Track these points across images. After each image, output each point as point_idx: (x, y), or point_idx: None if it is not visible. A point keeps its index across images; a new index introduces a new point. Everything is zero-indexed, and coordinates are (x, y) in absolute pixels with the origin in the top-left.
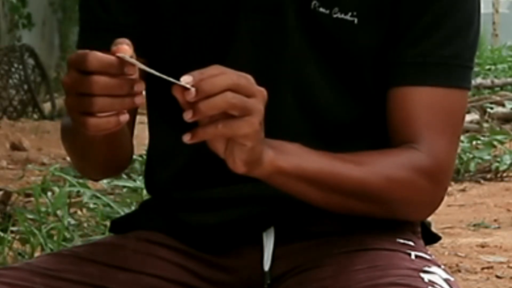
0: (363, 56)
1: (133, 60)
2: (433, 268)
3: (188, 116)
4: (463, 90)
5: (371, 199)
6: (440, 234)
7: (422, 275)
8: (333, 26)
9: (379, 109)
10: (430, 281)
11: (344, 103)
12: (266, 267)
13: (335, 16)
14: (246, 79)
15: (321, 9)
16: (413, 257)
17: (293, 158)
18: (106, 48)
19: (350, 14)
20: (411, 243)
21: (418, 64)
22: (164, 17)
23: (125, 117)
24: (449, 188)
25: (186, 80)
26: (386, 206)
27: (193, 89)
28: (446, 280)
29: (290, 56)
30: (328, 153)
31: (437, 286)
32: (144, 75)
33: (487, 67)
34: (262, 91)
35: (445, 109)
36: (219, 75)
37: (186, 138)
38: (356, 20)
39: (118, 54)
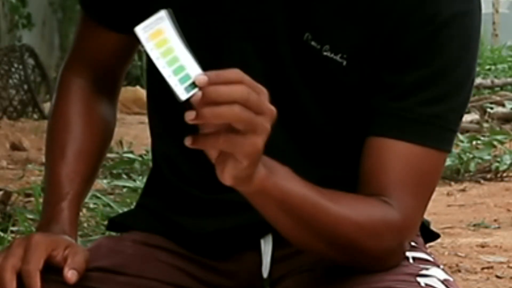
0: (350, 93)
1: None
2: (431, 270)
3: (190, 117)
4: (441, 152)
5: (337, 241)
6: (440, 234)
7: (418, 279)
8: (322, 63)
9: (365, 128)
10: (427, 285)
11: (333, 124)
12: (265, 273)
13: (325, 54)
14: (257, 95)
15: (313, 43)
16: (410, 260)
17: (281, 182)
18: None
19: (340, 55)
20: (410, 242)
21: (399, 118)
22: None
23: None
24: (449, 188)
25: (200, 80)
26: (349, 251)
27: (199, 93)
28: (444, 281)
29: (280, 77)
30: (314, 185)
31: None
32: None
33: (487, 67)
34: (272, 110)
35: (419, 167)
36: (231, 85)
37: (188, 142)
38: (345, 63)
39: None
